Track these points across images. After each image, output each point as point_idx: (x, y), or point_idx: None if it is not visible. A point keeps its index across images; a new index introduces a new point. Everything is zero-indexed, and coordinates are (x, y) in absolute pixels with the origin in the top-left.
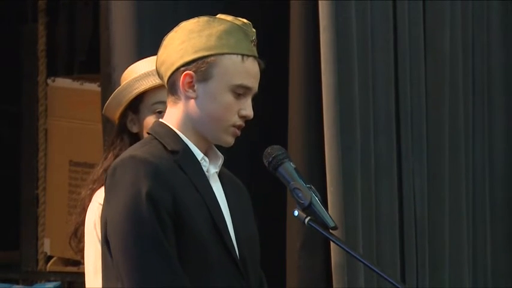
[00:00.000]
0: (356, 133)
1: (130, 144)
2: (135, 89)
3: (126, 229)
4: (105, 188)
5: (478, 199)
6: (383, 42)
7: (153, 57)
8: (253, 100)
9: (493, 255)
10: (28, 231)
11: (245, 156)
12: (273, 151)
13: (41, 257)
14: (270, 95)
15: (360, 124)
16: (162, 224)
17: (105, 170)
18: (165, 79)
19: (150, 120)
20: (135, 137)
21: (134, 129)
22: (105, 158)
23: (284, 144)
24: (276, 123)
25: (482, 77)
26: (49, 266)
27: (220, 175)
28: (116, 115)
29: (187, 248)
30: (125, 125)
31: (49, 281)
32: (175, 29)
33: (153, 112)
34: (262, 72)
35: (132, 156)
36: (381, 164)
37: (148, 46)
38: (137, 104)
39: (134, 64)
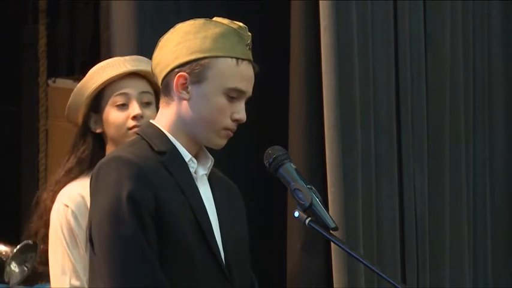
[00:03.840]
0: (357, 133)
1: (94, 145)
2: (92, 84)
3: (107, 231)
4: (90, 188)
5: (479, 199)
6: (383, 42)
7: (111, 59)
8: (247, 104)
9: (493, 254)
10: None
11: (246, 157)
12: (273, 152)
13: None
14: (271, 96)
15: (361, 124)
16: (143, 226)
17: (67, 173)
18: (160, 80)
19: (109, 114)
20: (100, 138)
21: (98, 130)
22: (67, 160)
23: (285, 144)
24: (276, 124)
25: (482, 77)
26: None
27: (210, 177)
28: (78, 118)
29: (169, 249)
30: (87, 126)
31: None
32: (171, 30)
33: (113, 105)
34: (257, 76)
35: (116, 157)
36: (382, 164)
37: (149, 46)
38: (97, 102)
39: (92, 68)
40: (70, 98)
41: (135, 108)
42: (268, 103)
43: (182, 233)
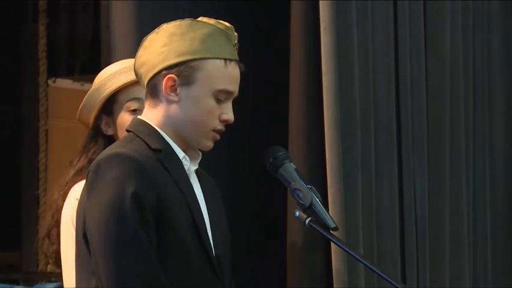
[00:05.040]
0: (357, 133)
1: (105, 147)
2: (107, 88)
3: (109, 228)
4: (87, 184)
5: (479, 199)
6: (383, 42)
7: (124, 61)
8: (239, 103)
9: (493, 254)
10: (29, 231)
11: (245, 156)
12: (273, 152)
13: (41, 257)
14: (271, 96)
15: (361, 124)
16: (145, 225)
17: (77, 172)
18: (145, 81)
19: (124, 119)
20: (110, 139)
21: (109, 132)
22: (78, 161)
23: (285, 144)
24: (276, 124)
25: (482, 77)
26: (50, 267)
27: (197, 173)
28: (90, 119)
29: (167, 248)
30: (99, 128)
31: (50, 281)
32: (156, 30)
33: (127, 110)
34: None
35: (118, 154)
36: (382, 164)
37: None
38: (110, 105)
39: (104, 69)
40: (83, 100)
41: None
42: (268, 103)
43: (181, 232)
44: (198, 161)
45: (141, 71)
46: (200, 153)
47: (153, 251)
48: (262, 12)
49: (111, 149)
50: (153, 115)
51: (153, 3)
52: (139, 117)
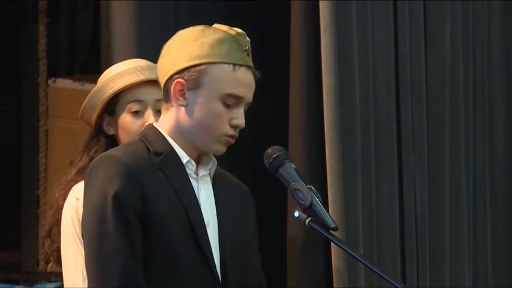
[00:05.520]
0: (357, 133)
1: (107, 146)
2: (110, 89)
3: (92, 228)
4: (83, 185)
5: (479, 199)
6: (383, 42)
7: (129, 61)
8: (246, 111)
9: (493, 254)
10: (29, 231)
11: (246, 157)
12: (273, 152)
13: (41, 257)
14: (271, 96)
15: (361, 124)
16: (126, 225)
17: (79, 171)
18: (162, 86)
19: (125, 120)
20: (112, 139)
21: (111, 131)
22: (80, 160)
23: (285, 145)
24: (276, 124)
25: (482, 77)
26: (50, 267)
27: (215, 179)
28: (92, 118)
29: (155, 250)
30: (101, 127)
31: (50, 281)
32: (173, 37)
33: (128, 111)
34: (257, 81)
35: (107, 156)
36: (382, 164)
37: (149, 46)
38: (113, 105)
39: (109, 68)
40: (86, 99)
41: (150, 117)
42: (268, 103)
43: (169, 234)
44: (209, 166)
45: (159, 77)
46: (213, 158)
47: (132, 251)
48: (262, 12)
49: (106, 151)
50: (165, 120)
51: (153, 3)
52: (153, 123)
